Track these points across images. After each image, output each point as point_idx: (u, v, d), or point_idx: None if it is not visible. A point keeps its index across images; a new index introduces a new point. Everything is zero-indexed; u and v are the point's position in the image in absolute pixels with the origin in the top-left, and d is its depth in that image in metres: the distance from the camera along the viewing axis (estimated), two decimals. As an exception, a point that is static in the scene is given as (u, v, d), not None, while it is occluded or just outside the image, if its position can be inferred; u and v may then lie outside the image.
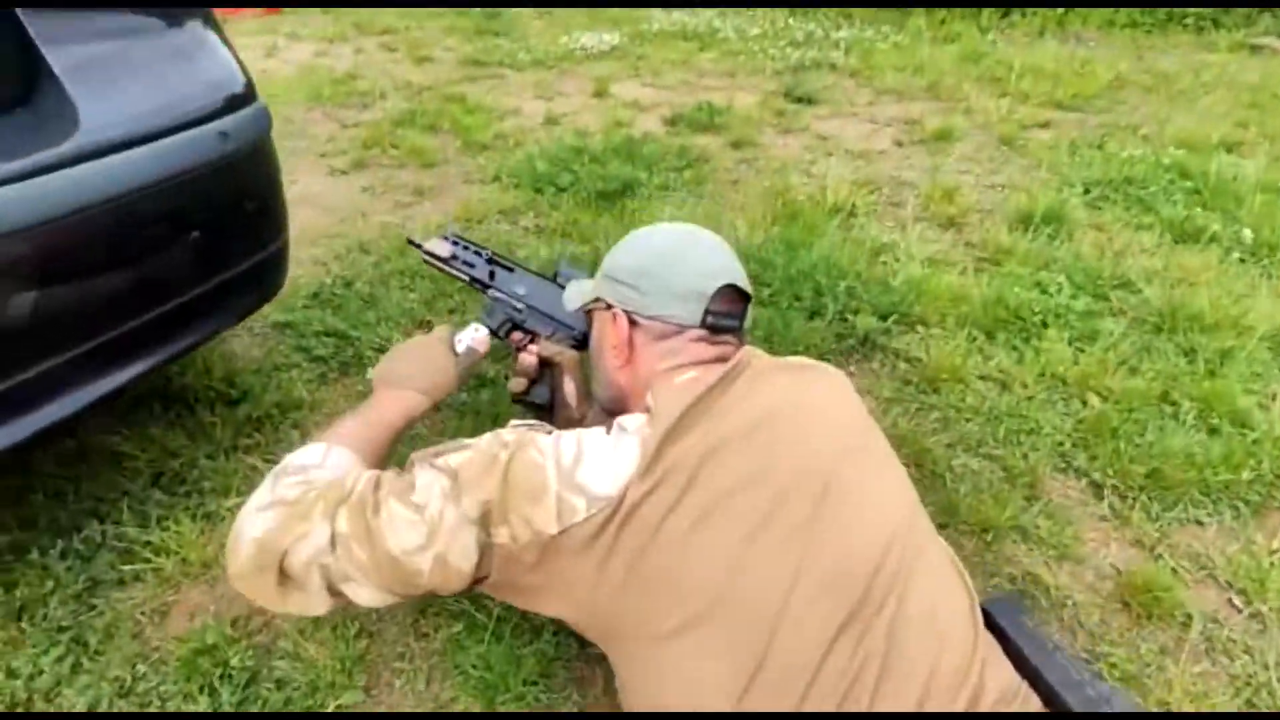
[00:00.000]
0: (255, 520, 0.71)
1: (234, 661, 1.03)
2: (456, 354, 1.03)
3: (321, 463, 0.78)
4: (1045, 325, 1.81)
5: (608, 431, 0.75)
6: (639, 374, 0.87)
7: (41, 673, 1.01)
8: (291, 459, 0.79)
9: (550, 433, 0.76)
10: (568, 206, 2.49)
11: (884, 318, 1.83)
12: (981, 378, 1.66)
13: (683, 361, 0.85)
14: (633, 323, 0.88)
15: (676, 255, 0.89)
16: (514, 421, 0.79)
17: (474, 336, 1.06)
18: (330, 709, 0.99)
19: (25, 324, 0.89)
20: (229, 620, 1.10)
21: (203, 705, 0.98)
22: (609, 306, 0.90)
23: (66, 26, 0.96)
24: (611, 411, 0.90)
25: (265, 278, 1.33)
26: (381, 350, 1.65)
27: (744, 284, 0.88)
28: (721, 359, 0.85)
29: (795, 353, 1.48)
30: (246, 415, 1.47)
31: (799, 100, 3.83)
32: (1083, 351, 1.71)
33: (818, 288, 1.91)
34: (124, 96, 1.01)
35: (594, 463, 0.70)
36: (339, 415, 1.01)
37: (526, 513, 0.68)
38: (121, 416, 1.44)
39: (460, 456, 0.73)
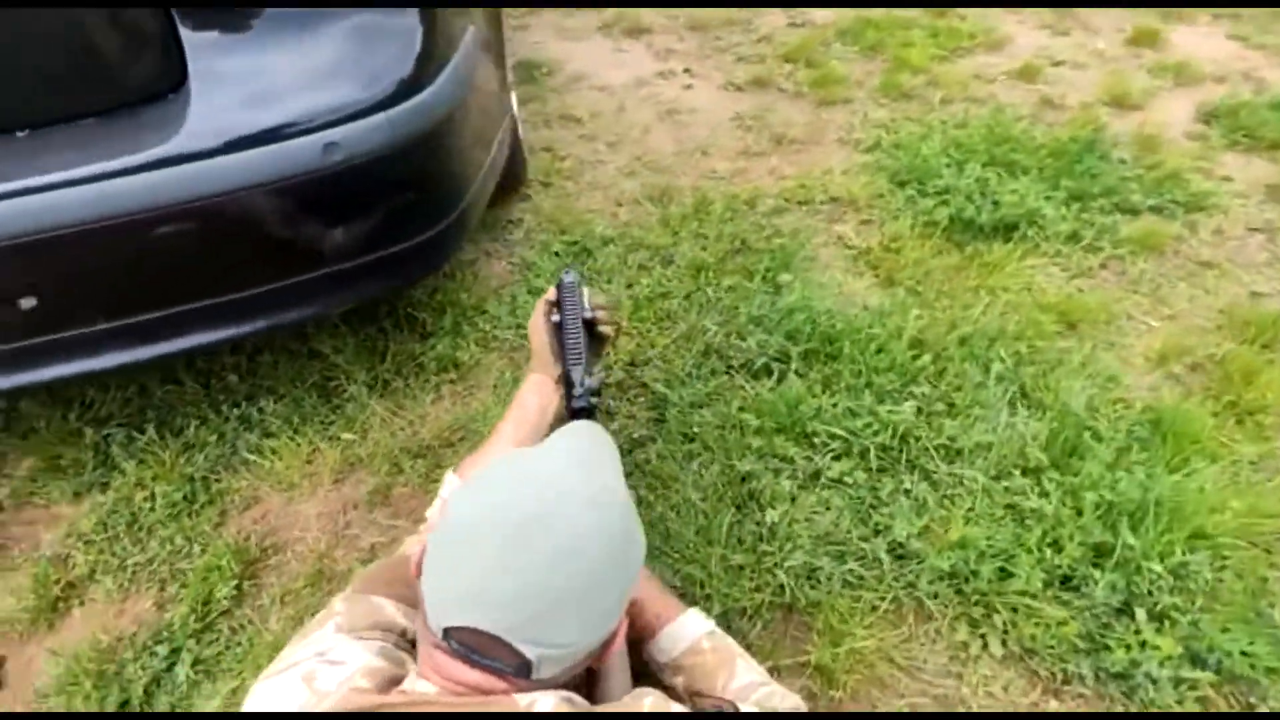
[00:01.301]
0: None
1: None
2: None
3: None
4: None
5: None
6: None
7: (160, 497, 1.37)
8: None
9: None
10: (901, 227, 1.92)
11: None
12: None
13: (426, 671, 0.62)
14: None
15: (465, 541, 0.61)
16: None
17: None
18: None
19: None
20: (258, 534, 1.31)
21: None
22: None
23: (217, 20, 1.00)
24: None
25: (423, 255, 1.35)
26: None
27: (505, 622, 0.58)
28: (479, 690, 0.60)
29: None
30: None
31: None
32: None
33: None
34: (286, 92, 1.04)
35: None
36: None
37: None
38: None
39: None
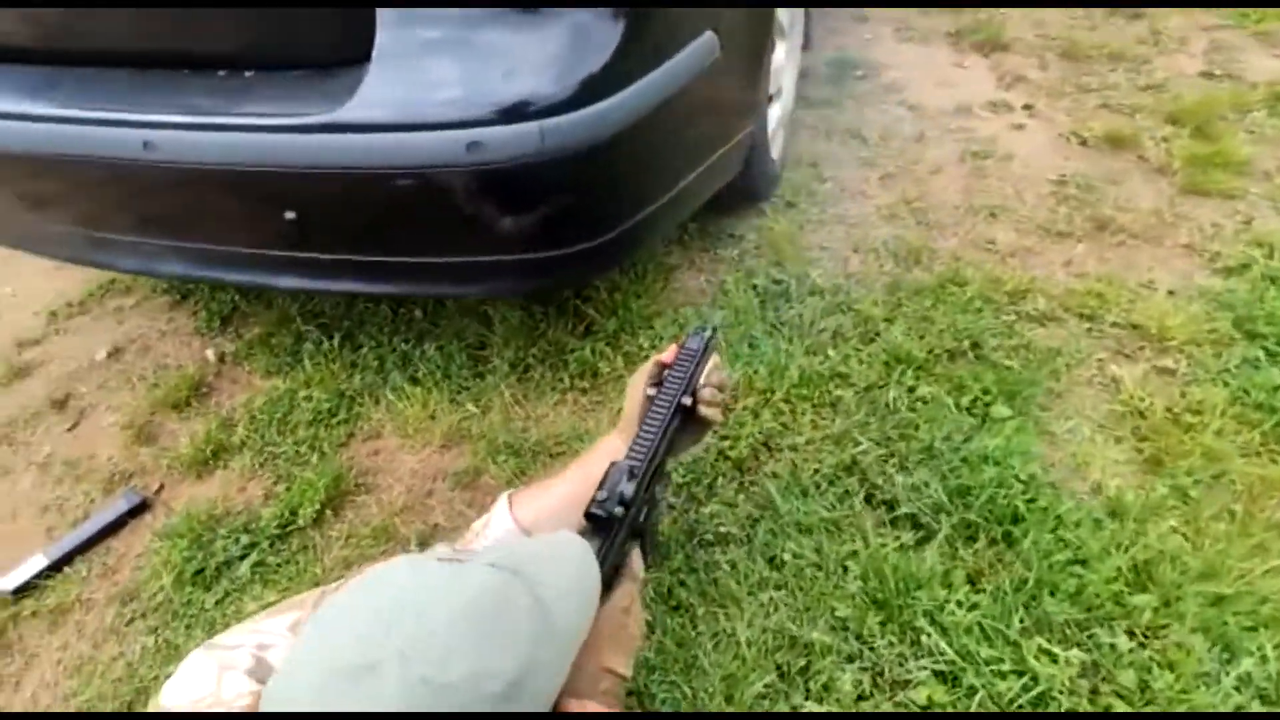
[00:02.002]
0: None
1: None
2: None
3: None
4: None
5: None
6: None
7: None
8: None
9: None
10: (1214, 395, 1.37)
11: None
12: None
13: None
14: None
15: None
16: None
17: None
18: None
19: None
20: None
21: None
22: None
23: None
24: None
25: (579, 265, 1.28)
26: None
27: None
28: None
29: None
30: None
31: None
32: None
33: None
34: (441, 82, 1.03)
35: None
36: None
37: None
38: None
39: None
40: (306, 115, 1.04)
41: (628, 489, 0.87)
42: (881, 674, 1.02)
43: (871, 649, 1.04)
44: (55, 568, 1.31)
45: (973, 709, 0.97)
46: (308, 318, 1.73)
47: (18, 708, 1.16)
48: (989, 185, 2.02)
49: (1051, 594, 1.06)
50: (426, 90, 1.02)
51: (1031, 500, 1.18)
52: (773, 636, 1.08)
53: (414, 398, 1.52)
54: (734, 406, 1.41)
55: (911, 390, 1.42)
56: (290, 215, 1.13)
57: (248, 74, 1.12)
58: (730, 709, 1.00)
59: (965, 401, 1.39)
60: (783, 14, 1.73)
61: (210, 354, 1.71)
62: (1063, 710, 0.97)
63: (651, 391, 0.98)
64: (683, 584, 1.16)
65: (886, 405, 1.39)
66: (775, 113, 1.85)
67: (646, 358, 1.53)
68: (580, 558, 0.70)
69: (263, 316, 1.78)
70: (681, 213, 1.51)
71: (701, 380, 1.00)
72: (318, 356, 1.63)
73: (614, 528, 0.86)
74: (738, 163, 1.60)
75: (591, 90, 1.04)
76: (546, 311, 1.65)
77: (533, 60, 1.01)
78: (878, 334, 1.56)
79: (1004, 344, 1.52)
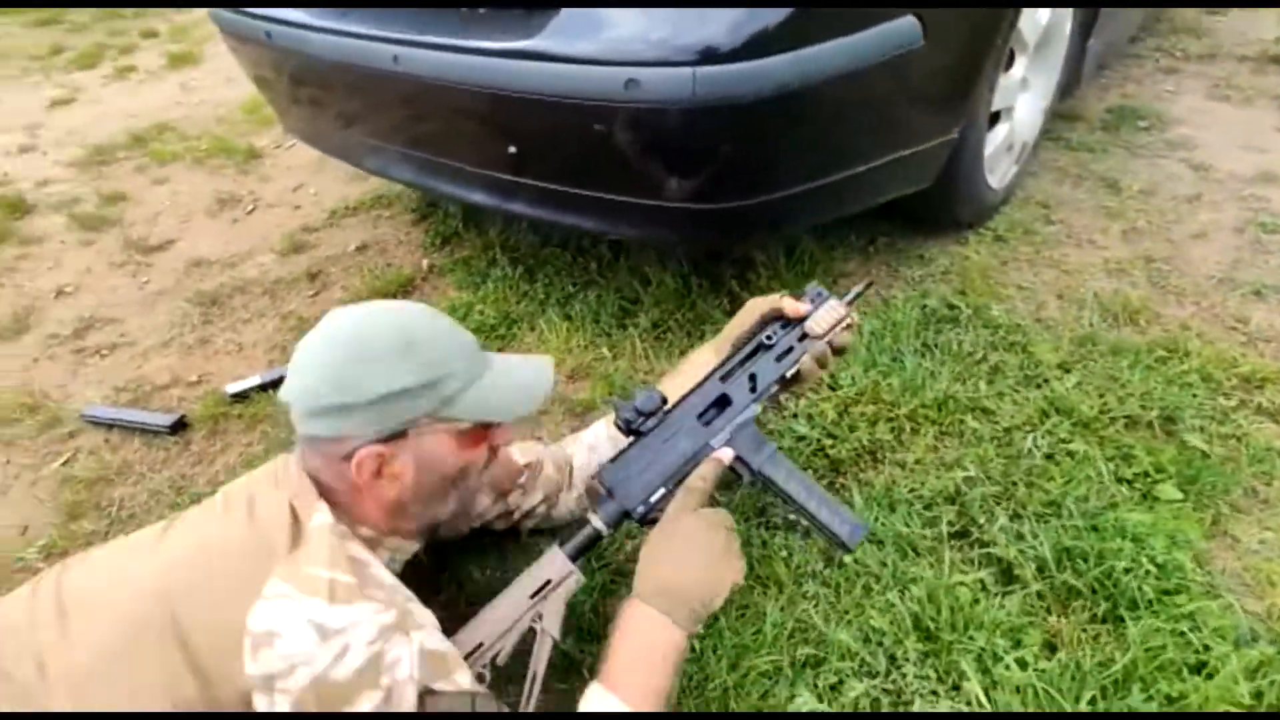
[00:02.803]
0: None
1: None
2: None
3: None
4: None
5: None
6: None
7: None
8: None
9: None
10: None
11: None
12: None
13: None
14: None
15: None
16: None
17: None
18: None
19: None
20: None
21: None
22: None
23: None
24: None
25: (723, 225, 1.33)
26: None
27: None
28: None
29: None
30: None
31: None
32: None
33: None
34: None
35: None
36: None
37: None
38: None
39: None
40: (507, 42, 1.20)
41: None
42: (899, 696, 0.91)
43: (900, 671, 0.94)
44: (264, 388, 1.64)
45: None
46: (505, 249, 1.95)
47: (205, 481, 1.47)
48: (1266, 262, 1.67)
49: (1143, 688, 0.86)
50: (600, 29, 1.13)
51: (1166, 591, 0.97)
52: (798, 625, 1.01)
53: (560, 331, 1.65)
54: (837, 382, 1.34)
55: (1062, 442, 1.23)
56: (503, 142, 1.31)
57: (481, 11, 1.32)
58: (733, 677, 0.96)
59: (1127, 472, 1.17)
60: (1027, 28, 1.60)
61: (425, 263, 2.01)
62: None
63: (768, 338, 0.99)
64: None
65: (1023, 450, 1.23)
66: (998, 135, 1.71)
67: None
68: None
69: (472, 242, 2.05)
70: (844, 204, 1.46)
71: (822, 335, 0.99)
72: (500, 281, 1.84)
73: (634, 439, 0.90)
74: (928, 174, 1.51)
75: (756, 46, 1.07)
76: (701, 284, 1.70)
77: (701, 10, 1.07)
78: (1045, 380, 1.37)
79: (1208, 427, 1.25)
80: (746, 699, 0.94)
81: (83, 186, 2.73)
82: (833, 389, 1.38)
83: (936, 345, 1.47)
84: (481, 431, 0.84)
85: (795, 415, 1.34)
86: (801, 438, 1.30)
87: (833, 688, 0.93)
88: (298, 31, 1.50)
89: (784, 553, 1.12)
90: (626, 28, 1.11)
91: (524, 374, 0.88)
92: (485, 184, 1.50)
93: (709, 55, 1.07)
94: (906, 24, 1.21)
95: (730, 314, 1.60)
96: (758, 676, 0.96)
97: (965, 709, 0.89)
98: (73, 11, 5.17)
